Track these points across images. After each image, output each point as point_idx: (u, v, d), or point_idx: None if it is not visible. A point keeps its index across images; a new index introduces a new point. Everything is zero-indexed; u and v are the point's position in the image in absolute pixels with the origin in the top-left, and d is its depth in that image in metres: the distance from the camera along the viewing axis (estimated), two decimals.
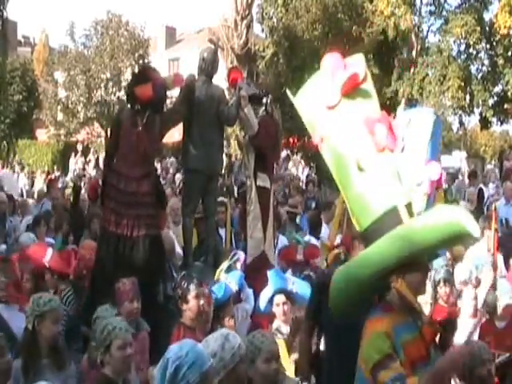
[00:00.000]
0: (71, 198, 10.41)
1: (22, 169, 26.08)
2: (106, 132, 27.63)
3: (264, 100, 6.35)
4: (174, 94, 6.66)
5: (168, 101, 6.12)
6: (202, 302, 4.08)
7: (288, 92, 3.20)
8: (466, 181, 14.15)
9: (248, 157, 6.32)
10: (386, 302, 2.78)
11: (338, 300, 2.84)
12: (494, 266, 5.95)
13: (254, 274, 5.64)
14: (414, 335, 2.72)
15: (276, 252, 6.67)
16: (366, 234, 2.85)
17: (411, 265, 2.70)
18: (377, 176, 2.81)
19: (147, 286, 5.03)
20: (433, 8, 28.10)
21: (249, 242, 6.15)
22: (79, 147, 24.81)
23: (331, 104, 2.93)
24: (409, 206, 2.81)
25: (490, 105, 27.14)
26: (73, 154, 25.57)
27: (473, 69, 27.50)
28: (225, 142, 17.50)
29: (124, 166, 5.45)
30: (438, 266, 5.48)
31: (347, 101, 2.92)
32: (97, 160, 25.17)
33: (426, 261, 2.81)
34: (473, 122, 39.54)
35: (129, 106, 5.59)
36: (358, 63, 3.01)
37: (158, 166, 13.37)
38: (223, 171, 11.59)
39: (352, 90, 2.93)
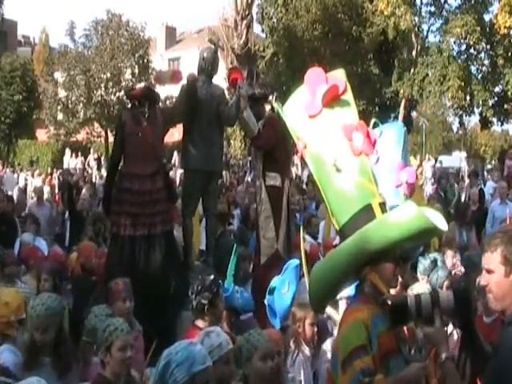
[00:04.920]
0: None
1: (22, 169, 26.10)
2: (106, 132, 27.65)
3: (270, 98, 6.34)
4: (174, 93, 6.67)
5: (168, 101, 6.20)
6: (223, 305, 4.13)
7: (275, 105, 3.42)
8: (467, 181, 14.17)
9: (256, 158, 6.30)
10: (363, 293, 2.88)
11: (315, 291, 2.98)
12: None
13: (269, 273, 5.68)
14: (388, 327, 2.82)
15: None
16: (343, 231, 2.99)
17: (382, 257, 2.82)
18: (352, 176, 3.00)
19: (162, 282, 5.18)
20: (433, 8, 28.16)
21: (262, 242, 6.14)
22: (67, 152, 24.95)
23: (312, 113, 3.17)
24: (382, 205, 2.96)
25: (490, 105, 27.18)
26: (67, 153, 25.66)
27: (473, 69, 27.56)
28: (225, 142, 17.56)
29: (135, 165, 5.50)
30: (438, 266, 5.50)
31: (328, 110, 3.16)
32: (98, 160, 25.24)
33: (396, 254, 2.93)
34: (473, 121, 39.68)
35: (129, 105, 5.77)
36: (339, 77, 3.26)
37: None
38: None
39: (332, 100, 3.17)
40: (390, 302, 2.51)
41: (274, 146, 6.14)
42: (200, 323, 3.94)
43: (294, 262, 4.78)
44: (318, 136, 3.15)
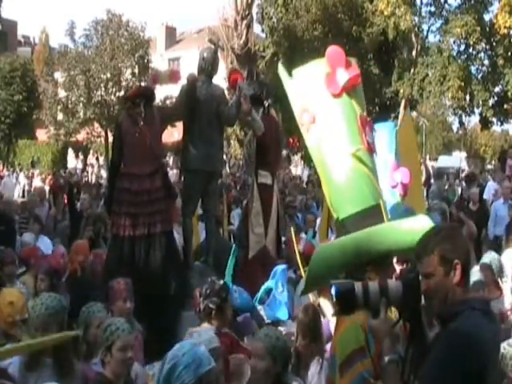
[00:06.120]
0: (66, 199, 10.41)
1: (22, 169, 26.15)
2: (106, 132, 27.63)
3: (264, 102, 6.44)
4: (174, 93, 6.67)
5: (168, 101, 6.21)
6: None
7: (280, 68, 3.31)
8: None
9: (249, 155, 6.40)
10: None
11: (314, 271, 2.97)
12: None
13: (255, 268, 5.80)
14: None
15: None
16: (346, 222, 2.98)
17: (384, 260, 2.83)
18: (367, 172, 2.99)
19: (162, 282, 5.23)
20: (433, 8, 28.18)
21: (251, 237, 6.25)
22: (70, 152, 25.02)
23: (334, 92, 3.09)
24: (385, 207, 3.00)
25: (490, 105, 27.17)
26: (70, 153, 25.72)
27: (473, 69, 27.57)
28: (225, 142, 17.56)
29: (134, 165, 5.54)
30: None
31: (347, 96, 3.12)
32: (97, 160, 25.30)
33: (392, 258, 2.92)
34: (473, 121, 39.67)
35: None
36: (355, 66, 3.22)
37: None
38: None
39: (352, 88, 3.13)
40: (337, 288, 2.38)
41: (270, 145, 6.25)
42: (206, 326, 3.93)
43: (281, 266, 5.03)
44: (335, 118, 3.08)
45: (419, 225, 2.75)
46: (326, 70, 3.12)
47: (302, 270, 4.65)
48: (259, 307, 4.88)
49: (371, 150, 3.05)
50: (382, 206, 2.94)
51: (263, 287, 4.99)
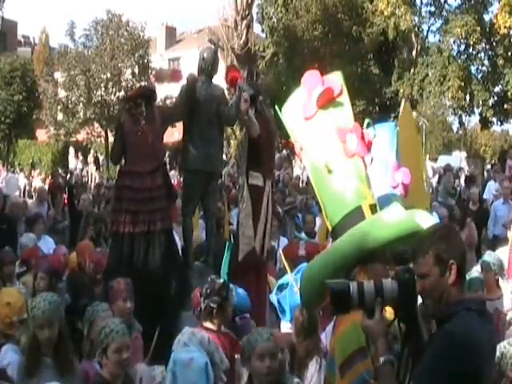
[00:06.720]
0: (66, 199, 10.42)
1: (22, 169, 26.16)
2: (106, 132, 27.65)
3: (256, 99, 6.41)
4: (174, 93, 6.68)
5: (168, 101, 6.22)
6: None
7: (276, 107, 3.50)
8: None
9: (240, 156, 6.38)
10: None
11: (308, 290, 3.01)
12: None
13: (245, 270, 5.81)
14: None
15: (279, 253, 6.89)
16: (335, 231, 3.06)
17: (371, 257, 2.81)
18: (344, 178, 3.04)
19: (162, 281, 5.26)
20: (433, 8, 28.21)
21: (241, 238, 6.23)
22: (71, 151, 25.07)
23: (308, 115, 3.20)
24: (373, 207, 2.98)
25: (490, 105, 27.21)
26: (71, 152, 25.73)
27: (473, 69, 27.62)
28: (225, 142, 17.56)
29: (135, 163, 5.58)
30: None
31: (322, 112, 3.19)
32: (96, 160, 25.29)
33: (386, 253, 2.91)
34: (473, 121, 39.68)
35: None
36: (335, 79, 3.28)
37: None
38: None
39: (327, 102, 3.19)
40: (332, 288, 2.35)
41: (261, 147, 6.23)
42: (208, 325, 3.95)
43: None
44: (313, 138, 3.18)
45: (394, 217, 2.79)
46: (303, 97, 3.22)
47: (293, 280, 4.66)
48: (275, 295, 4.87)
49: (354, 155, 3.08)
50: (364, 207, 2.95)
51: (281, 280, 4.95)
